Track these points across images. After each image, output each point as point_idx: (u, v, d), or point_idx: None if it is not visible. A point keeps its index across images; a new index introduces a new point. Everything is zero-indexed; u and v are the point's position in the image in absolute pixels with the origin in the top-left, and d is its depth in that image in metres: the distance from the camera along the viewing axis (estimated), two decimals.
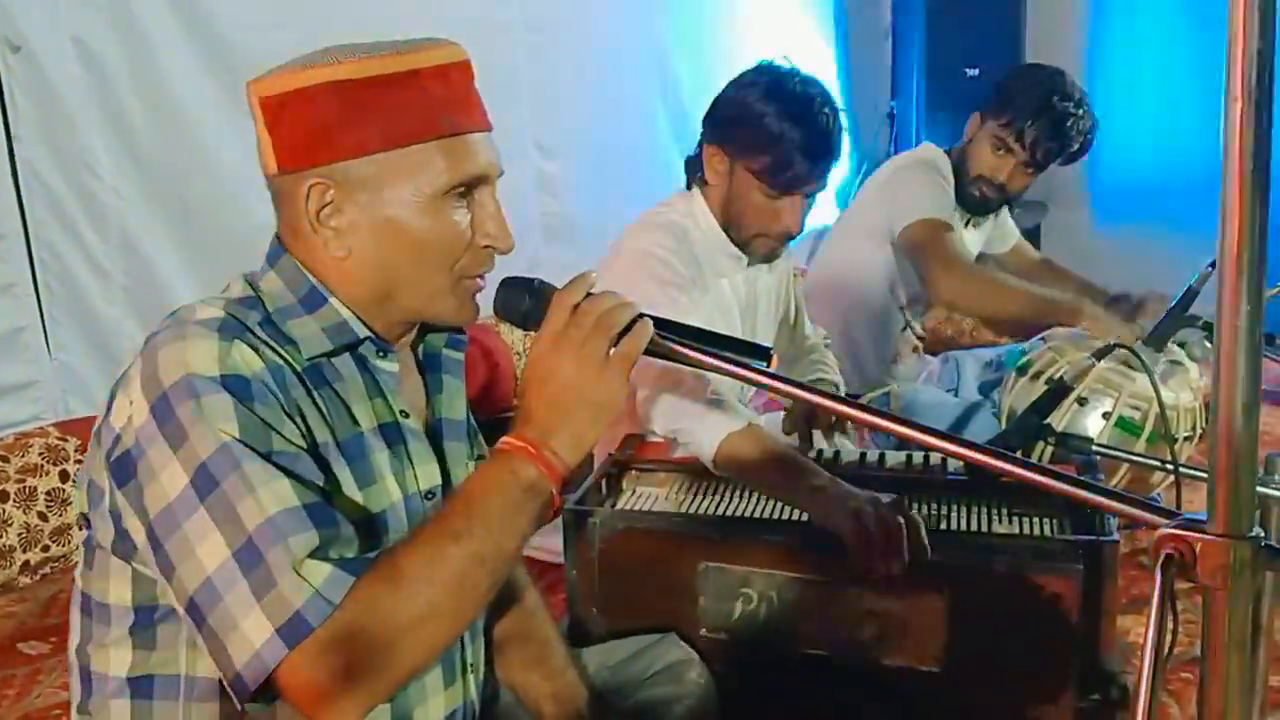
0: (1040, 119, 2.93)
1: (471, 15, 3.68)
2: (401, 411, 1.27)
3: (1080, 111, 2.93)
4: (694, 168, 2.28)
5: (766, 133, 2.11)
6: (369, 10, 3.33)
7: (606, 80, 4.32)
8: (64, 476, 2.94)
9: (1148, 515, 0.85)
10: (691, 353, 1.17)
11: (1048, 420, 1.65)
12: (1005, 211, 3.37)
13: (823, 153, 2.13)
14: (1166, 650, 1.47)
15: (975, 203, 3.08)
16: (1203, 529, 0.80)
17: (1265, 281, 0.79)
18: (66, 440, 2.97)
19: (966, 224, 3.18)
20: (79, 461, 2.95)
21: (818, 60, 5.16)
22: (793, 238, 2.24)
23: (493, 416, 3.20)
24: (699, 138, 2.26)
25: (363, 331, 1.24)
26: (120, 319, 3.10)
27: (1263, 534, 0.81)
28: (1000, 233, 3.31)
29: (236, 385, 1.10)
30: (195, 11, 3.19)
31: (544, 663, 1.51)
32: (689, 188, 2.31)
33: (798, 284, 2.61)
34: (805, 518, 1.79)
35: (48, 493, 2.91)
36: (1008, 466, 0.95)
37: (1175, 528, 0.80)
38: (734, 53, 4.74)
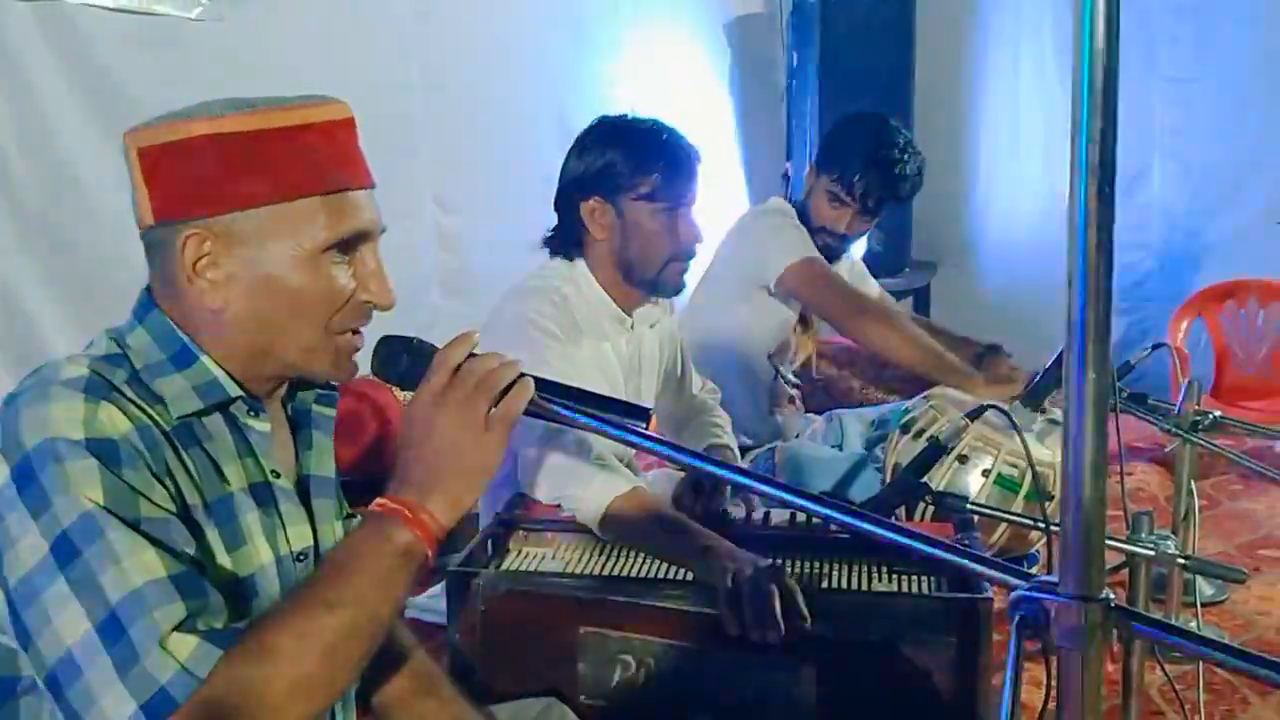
0: (868, 171, 3.03)
1: (371, 72, 3.67)
2: (273, 472, 1.25)
3: (905, 156, 3.03)
4: (567, 237, 2.26)
5: (642, 157, 2.17)
6: (267, 67, 3.30)
7: (506, 137, 4.33)
8: None
9: (1004, 577, 0.87)
10: (570, 414, 1.17)
11: (924, 479, 1.68)
12: (860, 263, 3.48)
13: (693, 160, 2.22)
14: (1041, 707, 1.49)
15: (822, 251, 3.13)
16: (1055, 591, 0.82)
17: (1109, 349, 0.82)
18: None
19: None
20: None
21: (714, 123, 5.24)
22: (694, 254, 2.27)
23: (384, 475, 3.14)
24: (566, 208, 2.25)
25: (234, 390, 1.21)
26: None
27: (1113, 596, 0.83)
28: (861, 289, 3.35)
29: (103, 449, 1.07)
30: (86, 64, 3.11)
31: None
32: (559, 257, 2.28)
33: (683, 339, 2.62)
34: (690, 576, 1.79)
35: None
36: (872, 529, 0.97)
37: (1028, 590, 0.82)
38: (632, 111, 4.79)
